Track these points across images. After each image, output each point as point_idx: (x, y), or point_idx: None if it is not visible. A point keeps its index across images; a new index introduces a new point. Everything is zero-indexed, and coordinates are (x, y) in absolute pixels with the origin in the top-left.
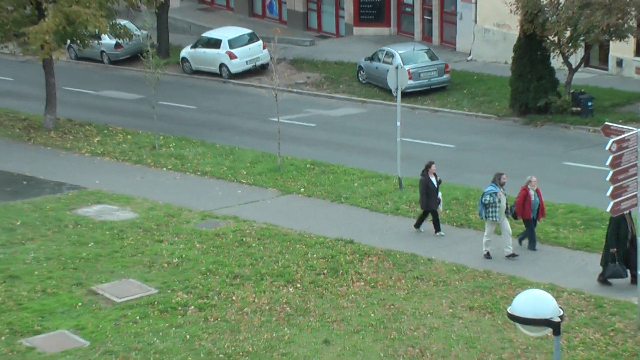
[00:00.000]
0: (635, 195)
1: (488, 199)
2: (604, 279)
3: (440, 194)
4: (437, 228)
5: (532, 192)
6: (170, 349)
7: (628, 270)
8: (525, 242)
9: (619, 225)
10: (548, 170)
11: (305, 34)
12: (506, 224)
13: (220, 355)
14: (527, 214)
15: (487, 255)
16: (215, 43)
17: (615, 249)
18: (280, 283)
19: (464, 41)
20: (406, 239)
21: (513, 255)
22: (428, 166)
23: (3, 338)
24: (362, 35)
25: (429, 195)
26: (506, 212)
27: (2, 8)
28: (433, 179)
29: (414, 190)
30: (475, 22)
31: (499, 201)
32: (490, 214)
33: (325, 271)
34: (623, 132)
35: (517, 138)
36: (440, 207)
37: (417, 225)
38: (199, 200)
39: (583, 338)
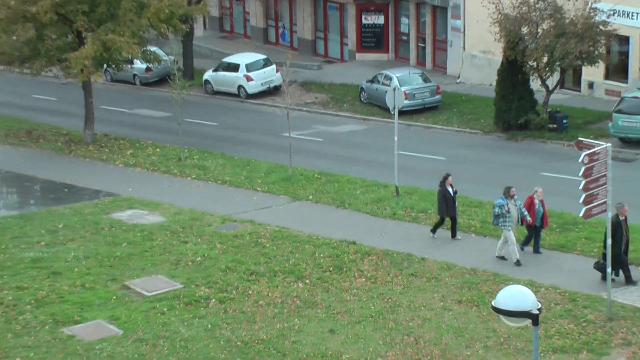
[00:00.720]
0: (605, 202)
1: (497, 210)
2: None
3: (457, 203)
4: (454, 234)
5: (537, 201)
6: (194, 337)
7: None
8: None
9: (615, 229)
10: (528, 180)
11: (313, 59)
12: (511, 235)
13: (238, 343)
14: (532, 221)
15: (517, 263)
16: (234, 67)
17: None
18: (291, 279)
19: (454, 66)
20: (402, 240)
21: (503, 258)
22: (445, 178)
23: (47, 327)
24: (363, 61)
25: (447, 204)
26: (520, 222)
27: (47, 36)
28: (450, 189)
29: (410, 197)
30: (464, 49)
31: (508, 212)
32: (502, 223)
33: (331, 269)
34: (594, 147)
35: (500, 151)
36: (456, 212)
37: (433, 230)
38: (219, 205)
39: (558, 328)
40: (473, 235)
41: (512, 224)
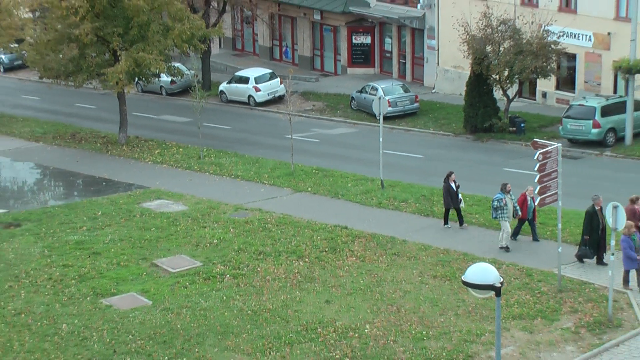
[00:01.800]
0: (556, 193)
1: (496, 204)
2: (578, 257)
3: (460, 195)
4: (461, 222)
5: (529, 198)
6: (211, 307)
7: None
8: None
9: (592, 218)
10: (492, 174)
11: (311, 73)
12: (507, 226)
13: (249, 312)
14: (524, 215)
15: (506, 249)
16: (244, 80)
17: (588, 237)
18: (293, 258)
19: (430, 78)
20: (387, 225)
21: (507, 249)
22: (449, 175)
23: (88, 298)
24: (353, 74)
25: (451, 197)
26: (514, 215)
27: (88, 55)
28: (453, 184)
29: (393, 189)
30: (438, 64)
31: (506, 205)
32: (500, 215)
33: (327, 249)
34: (547, 146)
35: (469, 151)
36: (462, 205)
37: (445, 222)
38: (232, 196)
39: (517, 299)
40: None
41: (508, 215)
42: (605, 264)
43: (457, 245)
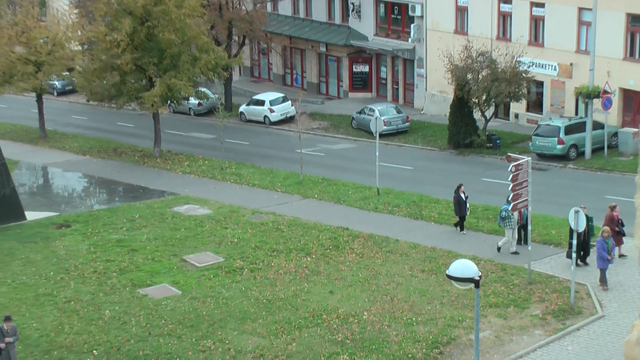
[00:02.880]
0: (527, 199)
1: (503, 214)
2: (568, 255)
3: (468, 205)
4: (461, 229)
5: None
6: (232, 296)
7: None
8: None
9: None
10: (472, 183)
11: (318, 96)
12: (515, 232)
13: (264, 301)
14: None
15: (498, 250)
16: (261, 102)
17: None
18: (302, 254)
19: (419, 101)
20: (382, 227)
21: (516, 253)
22: (459, 187)
23: (127, 288)
24: (354, 98)
25: (460, 206)
26: (518, 223)
27: (128, 81)
28: (462, 195)
29: (387, 196)
30: (426, 89)
31: (512, 215)
32: (507, 223)
33: (330, 247)
34: (519, 160)
35: (452, 163)
36: (468, 212)
37: (461, 228)
38: (250, 202)
39: (493, 289)
40: (432, 223)
41: (513, 224)
42: (587, 264)
43: (442, 244)
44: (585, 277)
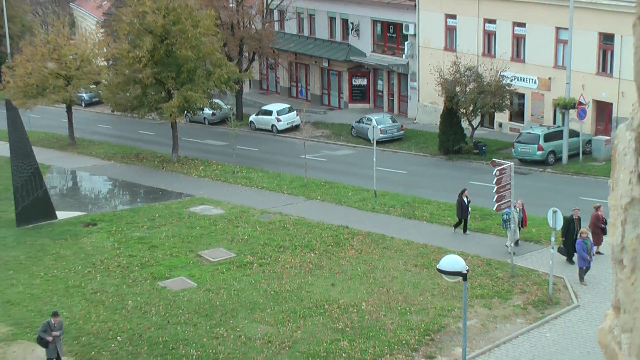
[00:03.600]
0: (509, 200)
1: (505, 217)
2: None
3: (470, 209)
4: (464, 230)
5: (518, 209)
6: (243, 288)
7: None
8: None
9: (569, 224)
10: (460, 186)
11: (321, 107)
12: (517, 232)
13: (272, 292)
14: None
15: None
16: (269, 112)
17: (564, 239)
18: (306, 250)
19: (412, 112)
20: (379, 226)
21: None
22: (462, 191)
23: (148, 281)
24: (353, 108)
25: (462, 210)
26: (518, 225)
27: (148, 93)
28: (465, 199)
29: (383, 198)
30: (418, 100)
31: (513, 217)
32: (507, 225)
33: (332, 244)
34: (503, 165)
35: (442, 168)
36: (469, 215)
37: (464, 230)
38: (259, 203)
39: (480, 282)
40: (425, 222)
41: (514, 225)
42: (574, 263)
43: (433, 241)
44: (562, 271)
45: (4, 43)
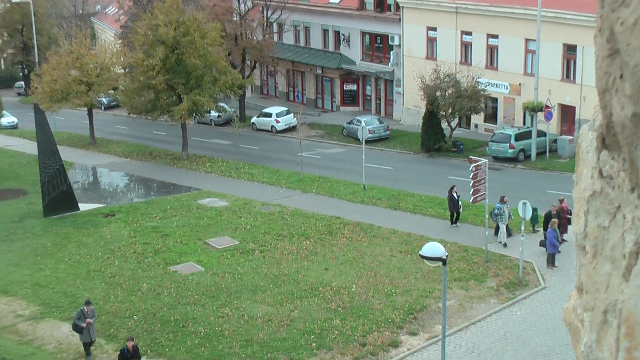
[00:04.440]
0: (484, 194)
1: (496, 211)
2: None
3: (460, 203)
4: (456, 222)
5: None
6: (246, 272)
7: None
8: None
9: (548, 219)
10: (440, 180)
11: (315, 110)
12: (507, 226)
13: (271, 276)
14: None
15: (505, 245)
16: (269, 114)
17: (545, 232)
18: (302, 239)
19: (397, 114)
20: (367, 216)
21: (505, 245)
22: (452, 187)
23: (161, 266)
24: (344, 111)
25: (453, 204)
26: (509, 218)
27: (161, 97)
28: (455, 195)
29: (371, 191)
30: (403, 104)
31: (504, 212)
32: (499, 219)
33: (325, 232)
34: (478, 161)
35: (424, 164)
36: (460, 210)
37: (454, 222)
38: (260, 196)
39: (457, 267)
40: (408, 213)
41: (505, 220)
42: (559, 252)
43: (416, 230)
44: (530, 256)
45: (33, 53)
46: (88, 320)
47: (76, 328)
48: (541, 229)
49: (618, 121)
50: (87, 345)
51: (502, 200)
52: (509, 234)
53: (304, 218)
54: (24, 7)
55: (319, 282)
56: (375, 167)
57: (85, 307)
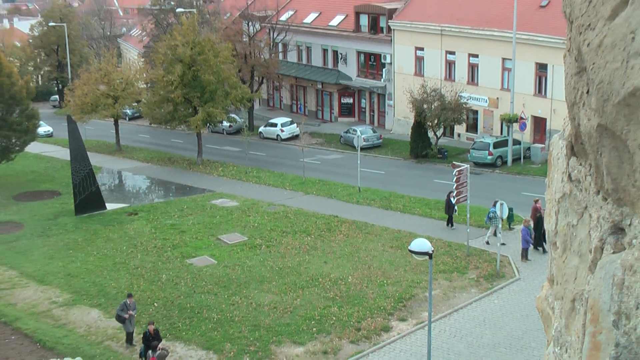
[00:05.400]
0: (466, 195)
1: (491, 214)
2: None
3: (456, 207)
4: (452, 225)
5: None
6: (254, 265)
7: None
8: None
9: (541, 218)
10: (427, 183)
11: (315, 120)
12: (500, 228)
13: (277, 268)
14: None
15: (488, 244)
16: (274, 124)
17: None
18: (304, 235)
19: (389, 124)
20: (362, 215)
21: (488, 244)
22: (450, 192)
23: (178, 259)
24: (342, 121)
25: (449, 208)
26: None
27: (178, 109)
28: (452, 199)
29: (366, 193)
30: (394, 115)
31: (497, 215)
32: (493, 222)
33: (325, 230)
34: (461, 167)
35: (412, 169)
36: (456, 213)
37: (448, 224)
38: (266, 197)
39: (442, 260)
40: (399, 213)
41: (498, 222)
42: (546, 252)
43: (405, 228)
44: (506, 251)
45: (66, 70)
46: (130, 312)
47: (119, 319)
48: (516, 227)
49: (585, 131)
50: (130, 335)
51: (496, 204)
52: (496, 234)
53: (306, 217)
54: (59, 30)
55: (318, 273)
56: (369, 172)
57: (127, 300)
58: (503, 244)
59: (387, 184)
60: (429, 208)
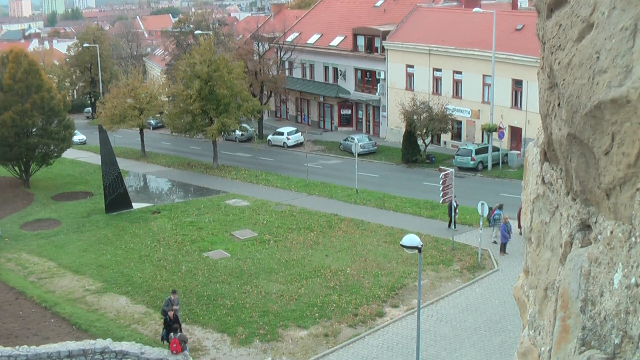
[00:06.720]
0: (451, 196)
1: (496, 217)
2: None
3: (457, 211)
4: (454, 226)
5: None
6: (263, 258)
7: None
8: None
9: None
10: (416, 186)
11: (317, 130)
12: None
13: (283, 261)
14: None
15: (496, 243)
16: (281, 133)
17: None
18: (307, 231)
19: (383, 133)
20: (359, 214)
21: (496, 243)
22: (453, 196)
23: (196, 253)
24: (341, 131)
25: (451, 210)
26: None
27: (196, 120)
28: (455, 203)
29: (362, 193)
30: (387, 125)
31: (500, 217)
32: (497, 223)
33: (326, 227)
34: (446, 171)
35: (404, 173)
36: (457, 216)
37: (449, 226)
38: (274, 197)
39: (430, 253)
40: (392, 212)
41: (500, 224)
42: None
43: (398, 225)
44: (487, 245)
45: (98, 86)
46: (175, 307)
47: (164, 314)
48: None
49: (556, 139)
50: (175, 330)
51: (500, 208)
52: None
53: (309, 215)
54: (92, 50)
55: (320, 265)
56: (366, 175)
57: (172, 296)
58: (494, 242)
59: (381, 186)
60: (418, 207)
